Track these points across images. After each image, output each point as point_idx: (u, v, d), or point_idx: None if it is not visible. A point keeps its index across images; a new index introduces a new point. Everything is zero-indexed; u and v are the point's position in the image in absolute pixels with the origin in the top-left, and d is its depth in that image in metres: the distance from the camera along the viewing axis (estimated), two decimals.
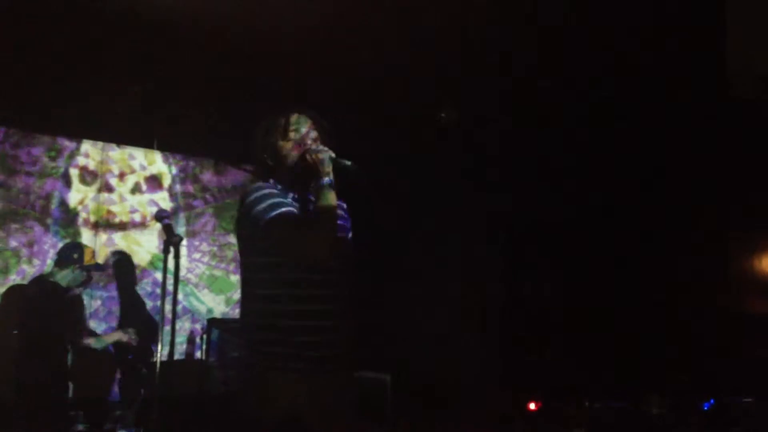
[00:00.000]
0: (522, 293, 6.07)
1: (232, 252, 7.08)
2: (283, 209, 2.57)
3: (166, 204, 6.94)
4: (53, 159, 6.42)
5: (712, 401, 4.04)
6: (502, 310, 5.93)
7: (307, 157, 2.68)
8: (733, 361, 4.46)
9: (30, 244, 6.25)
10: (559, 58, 5.14)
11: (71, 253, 5.31)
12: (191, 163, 7.14)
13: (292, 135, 2.77)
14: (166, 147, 6.94)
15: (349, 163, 2.67)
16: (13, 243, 6.18)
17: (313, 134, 2.79)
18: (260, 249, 2.63)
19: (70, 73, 5.66)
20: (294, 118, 2.81)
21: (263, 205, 2.59)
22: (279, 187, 2.73)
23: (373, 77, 5.66)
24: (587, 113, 5.61)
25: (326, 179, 2.61)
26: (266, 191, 2.65)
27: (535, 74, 5.38)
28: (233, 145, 6.22)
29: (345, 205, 2.87)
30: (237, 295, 6.94)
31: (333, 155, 2.68)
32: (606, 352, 5.04)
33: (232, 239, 6.98)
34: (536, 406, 4.73)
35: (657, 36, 4.77)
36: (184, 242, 6.18)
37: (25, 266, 6.19)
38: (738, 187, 4.97)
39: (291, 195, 2.72)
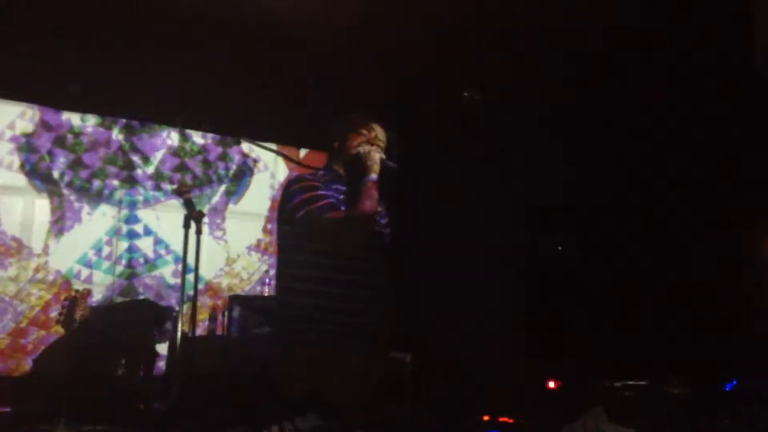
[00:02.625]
0: (546, 273, 6.04)
1: None
2: (322, 202, 2.74)
3: None
4: None
5: (734, 382, 4.00)
6: (525, 289, 5.90)
7: (361, 151, 2.89)
8: (756, 341, 4.42)
9: None
10: (583, 35, 5.07)
11: None
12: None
13: (364, 132, 3.00)
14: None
15: (394, 165, 2.91)
16: None
17: (381, 138, 3.02)
18: (299, 234, 2.78)
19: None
20: (371, 123, 3.05)
21: (302, 196, 2.75)
22: (326, 177, 2.93)
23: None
24: (612, 91, 5.54)
25: (373, 176, 2.81)
26: (306, 183, 2.83)
27: (559, 52, 5.32)
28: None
29: (384, 206, 3.06)
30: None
31: (383, 156, 2.91)
32: (628, 331, 5.02)
33: None
34: (555, 384, 4.72)
35: (682, 14, 4.69)
36: (206, 219, 6.22)
37: None
38: (763, 166, 4.90)
39: (334, 187, 2.89)
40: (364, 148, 2.91)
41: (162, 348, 5.90)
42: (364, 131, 3.00)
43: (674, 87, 5.31)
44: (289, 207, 2.79)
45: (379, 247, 2.93)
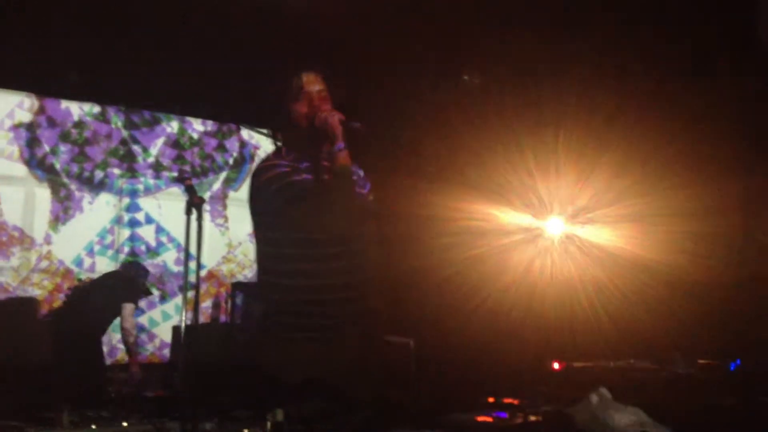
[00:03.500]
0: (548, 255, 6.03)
1: None
2: (297, 185, 2.52)
3: None
4: None
5: (738, 361, 4.00)
6: (527, 271, 5.90)
7: (317, 122, 2.58)
8: (759, 322, 4.42)
9: None
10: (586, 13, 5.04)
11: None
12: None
13: (303, 96, 2.66)
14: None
15: (358, 124, 2.57)
16: None
17: (323, 92, 2.68)
18: (274, 223, 2.60)
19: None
20: (305, 77, 2.70)
21: (275, 178, 2.54)
22: (292, 155, 2.66)
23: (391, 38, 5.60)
24: (614, 63, 5.50)
25: (339, 144, 2.53)
26: (276, 163, 2.60)
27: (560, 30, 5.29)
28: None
29: (361, 172, 2.78)
30: None
31: (342, 118, 2.56)
32: (632, 312, 5.01)
33: None
34: (560, 366, 4.72)
35: None
36: (207, 206, 6.21)
37: None
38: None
39: (304, 164, 2.63)
40: (320, 115, 2.57)
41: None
42: (302, 91, 2.66)
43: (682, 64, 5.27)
44: (264, 196, 2.58)
45: (365, 219, 2.70)
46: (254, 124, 7.23)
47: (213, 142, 7.16)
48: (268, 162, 2.65)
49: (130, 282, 5.69)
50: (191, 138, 7.03)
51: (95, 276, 6.07)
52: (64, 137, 6.41)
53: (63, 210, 6.37)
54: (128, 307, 5.48)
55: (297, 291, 2.58)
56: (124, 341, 5.57)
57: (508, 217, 6.21)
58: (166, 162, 6.87)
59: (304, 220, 2.52)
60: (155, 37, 5.64)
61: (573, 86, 5.57)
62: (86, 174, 6.49)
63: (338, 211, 2.51)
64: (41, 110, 6.34)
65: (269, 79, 2.92)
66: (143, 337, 6.62)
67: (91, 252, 6.38)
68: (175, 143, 6.94)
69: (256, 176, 2.64)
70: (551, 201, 6.10)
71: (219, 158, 7.17)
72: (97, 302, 5.44)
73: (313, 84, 2.69)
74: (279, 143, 2.77)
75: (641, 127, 5.40)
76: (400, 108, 6.19)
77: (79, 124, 6.49)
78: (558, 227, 6.20)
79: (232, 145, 7.27)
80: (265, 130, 7.17)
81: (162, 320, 6.70)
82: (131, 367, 5.60)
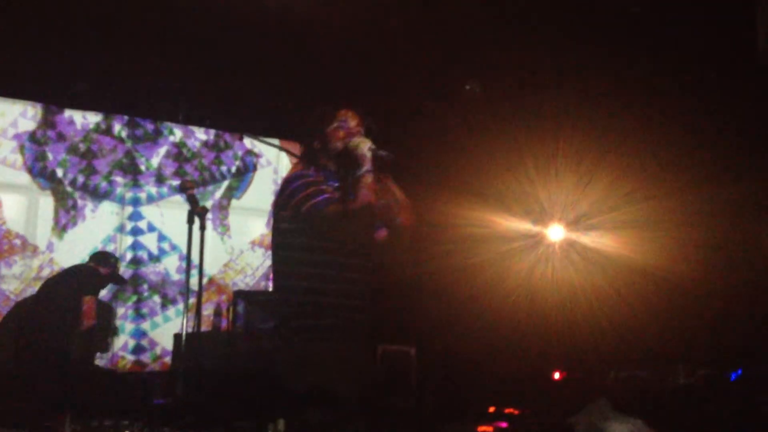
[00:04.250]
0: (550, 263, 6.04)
1: None
2: (324, 196, 2.70)
3: None
4: None
5: (739, 371, 4.00)
6: (528, 279, 5.90)
7: (349, 146, 2.81)
8: (759, 331, 4.41)
9: None
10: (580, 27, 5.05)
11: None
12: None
13: (340, 124, 2.90)
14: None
15: (385, 153, 2.80)
16: None
17: (358, 127, 2.91)
18: (299, 231, 2.76)
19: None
20: (343, 111, 2.94)
21: (305, 192, 2.72)
22: (321, 174, 2.85)
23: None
24: (610, 82, 5.52)
25: (365, 168, 2.74)
26: (308, 179, 2.78)
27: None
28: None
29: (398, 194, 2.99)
30: None
31: (372, 146, 2.79)
32: (632, 322, 5.01)
33: None
34: (561, 375, 4.72)
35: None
36: (209, 215, 6.22)
37: None
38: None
39: (331, 183, 2.83)
40: (352, 141, 2.83)
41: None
42: (339, 122, 2.92)
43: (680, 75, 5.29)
44: (292, 203, 2.76)
45: (383, 240, 2.90)
46: (257, 133, 7.25)
47: (216, 151, 7.18)
48: (302, 174, 2.85)
49: (91, 271, 5.62)
50: (194, 147, 7.05)
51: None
52: (68, 146, 6.43)
53: (66, 218, 6.38)
54: (86, 299, 5.41)
55: (316, 294, 2.71)
56: (81, 325, 5.41)
57: (508, 224, 6.22)
58: (168, 171, 6.88)
59: (328, 232, 2.73)
60: (157, 45, 5.66)
61: (573, 94, 5.59)
62: (89, 182, 6.50)
63: (359, 228, 2.74)
64: (45, 119, 6.37)
65: (305, 103, 3.17)
66: (144, 344, 6.63)
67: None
68: (177, 152, 6.96)
69: (286, 185, 2.84)
70: (552, 208, 6.11)
71: (222, 167, 7.18)
72: (60, 296, 5.35)
73: (350, 118, 2.93)
74: (296, 156, 2.98)
75: (640, 133, 5.41)
76: (402, 117, 6.21)
77: (83, 133, 6.51)
78: (559, 234, 6.21)
79: (235, 154, 7.28)
80: (269, 139, 7.23)
81: (163, 328, 6.70)
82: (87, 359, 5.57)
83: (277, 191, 2.92)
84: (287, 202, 2.79)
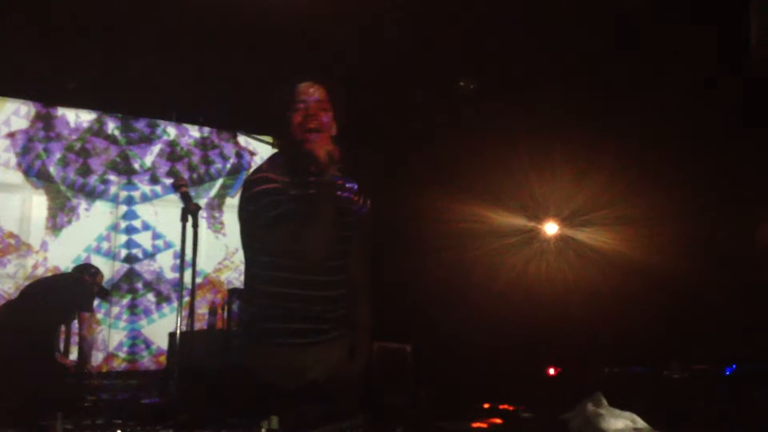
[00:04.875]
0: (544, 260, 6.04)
1: None
2: (280, 210, 2.41)
3: None
4: None
5: (734, 366, 4.01)
6: (523, 275, 5.90)
7: (306, 145, 2.46)
8: (755, 327, 4.42)
9: None
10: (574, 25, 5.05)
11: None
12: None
13: (300, 105, 2.52)
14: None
15: (336, 151, 2.46)
16: None
17: (322, 102, 2.54)
18: (259, 241, 2.57)
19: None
20: (302, 86, 2.55)
21: (262, 202, 2.45)
22: (286, 166, 2.56)
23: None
24: (605, 79, 5.52)
25: (327, 175, 2.44)
26: (266, 176, 2.49)
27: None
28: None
29: (356, 186, 2.72)
30: None
31: (330, 148, 2.45)
32: (628, 318, 5.02)
33: None
34: (555, 371, 4.73)
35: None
36: (203, 213, 6.22)
37: None
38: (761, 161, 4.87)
39: (295, 179, 2.53)
40: (309, 141, 2.45)
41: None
42: (299, 102, 2.52)
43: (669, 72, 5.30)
44: (252, 206, 2.49)
45: (353, 236, 2.66)
46: (251, 131, 7.24)
47: (210, 149, 7.17)
48: (259, 174, 2.55)
49: (78, 284, 5.59)
50: (188, 145, 7.03)
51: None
52: (61, 145, 6.41)
53: (59, 217, 6.36)
54: (85, 315, 5.41)
55: (283, 298, 2.55)
56: (80, 347, 5.46)
57: (503, 219, 6.22)
58: (162, 169, 6.87)
59: (287, 239, 2.44)
60: (152, 43, 5.64)
61: (568, 88, 5.59)
62: (83, 181, 6.49)
63: (315, 245, 2.42)
64: (38, 117, 6.35)
65: (269, 86, 2.81)
66: (140, 344, 6.62)
67: (87, 259, 6.37)
68: (171, 151, 6.94)
69: (246, 187, 2.57)
70: (546, 203, 6.11)
71: (216, 165, 7.17)
72: (47, 303, 5.32)
73: (310, 93, 2.54)
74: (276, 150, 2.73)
75: (636, 129, 5.41)
76: (396, 114, 6.21)
77: (76, 132, 6.49)
78: (553, 229, 6.20)
79: (229, 151, 7.27)
80: (262, 137, 7.22)
81: (158, 326, 6.69)
82: (83, 368, 5.53)
83: (241, 192, 2.62)
84: (246, 206, 2.54)
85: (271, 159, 2.70)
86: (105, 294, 6.13)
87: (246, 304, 3.32)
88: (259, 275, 2.63)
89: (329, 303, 2.61)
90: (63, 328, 5.67)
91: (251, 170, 7.13)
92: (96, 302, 6.03)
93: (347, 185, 2.69)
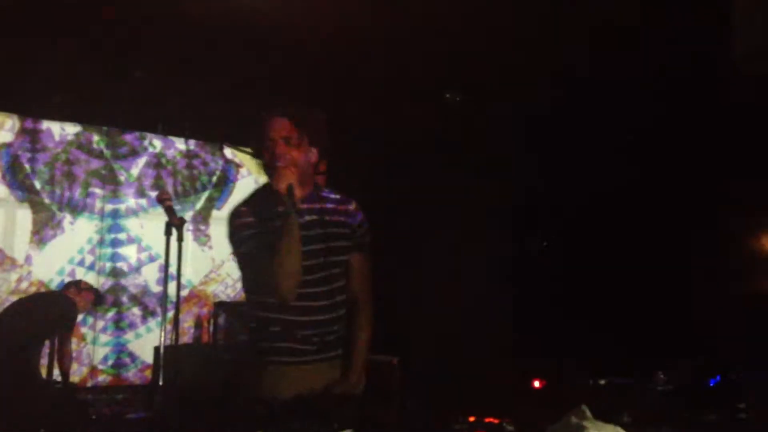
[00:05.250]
0: (528, 273, 6.06)
1: None
2: (248, 247, 2.49)
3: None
4: None
5: (718, 377, 4.03)
6: (508, 289, 5.92)
7: (273, 181, 2.48)
8: (739, 337, 4.45)
9: None
10: (565, 33, 5.08)
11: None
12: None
13: (268, 143, 2.52)
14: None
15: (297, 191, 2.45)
16: None
17: (289, 137, 2.51)
18: (246, 262, 2.61)
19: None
20: (272, 122, 2.55)
21: (234, 237, 2.55)
22: (258, 205, 2.59)
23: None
24: (594, 89, 5.56)
25: (290, 209, 2.42)
26: (240, 221, 2.54)
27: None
28: None
29: (351, 207, 2.72)
30: None
31: (291, 183, 2.43)
32: (612, 329, 5.04)
33: None
34: (541, 384, 4.73)
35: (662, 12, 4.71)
36: (189, 226, 6.20)
37: None
38: (748, 168, 4.92)
39: (265, 215, 2.53)
40: (277, 176, 2.46)
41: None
42: (269, 137, 2.51)
43: (655, 85, 5.35)
44: (236, 237, 2.54)
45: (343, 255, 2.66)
46: (237, 143, 7.24)
47: (196, 162, 7.15)
48: (237, 208, 2.62)
49: (61, 301, 5.51)
50: (174, 157, 7.02)
51: None
52: (46, 158, 6.38)
53: (44, 230, 6.33)
54: (66, 335, 5.39)
55: (271, 322, 2.57)
56: (61, 366, 5.42)
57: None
58: (148, 181, 6.85)
59: (255, 274, 2.53)
60: (138, 56, 5.64)
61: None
62: (68, 194, 6.46)
63: (287, 268, 2.42)
64: (23, 130, 6.32)
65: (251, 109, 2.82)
66: (125, 358, 6.57)
67: (71, 273, 6.33)
68: (157, 163, 6.93)
69: (231, 218, 2.61)
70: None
71: (202, 177, 7.16)
72: (29, 320, 5.27)
73: (277, 130, 2.53)
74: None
75: None
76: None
77: (61, 145, 6.46)
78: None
79: (215, 164, 7.26)
80: (248, 149, 7.21)
81: (144, 340, 6.65)
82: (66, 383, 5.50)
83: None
84: (231, 237, 2.58)
85: (252, 193, 2.73)
86: (101, 301, 6.04)
87: (243, 318, 3.36)
88: (249, 297, 2.69)
89: (321, 326, 2.63)
90: (47, 344, 5.59)
91: (237, 182, 7.20)
92: (80, 317, 5.99)
93: (333, 203, 2.69)
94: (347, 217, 2.71)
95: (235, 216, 2.58)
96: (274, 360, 2.59)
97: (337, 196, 2.72)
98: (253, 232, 2.51)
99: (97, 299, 5.81)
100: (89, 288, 5.74)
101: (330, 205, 2.66)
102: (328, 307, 2.64)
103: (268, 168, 2.54)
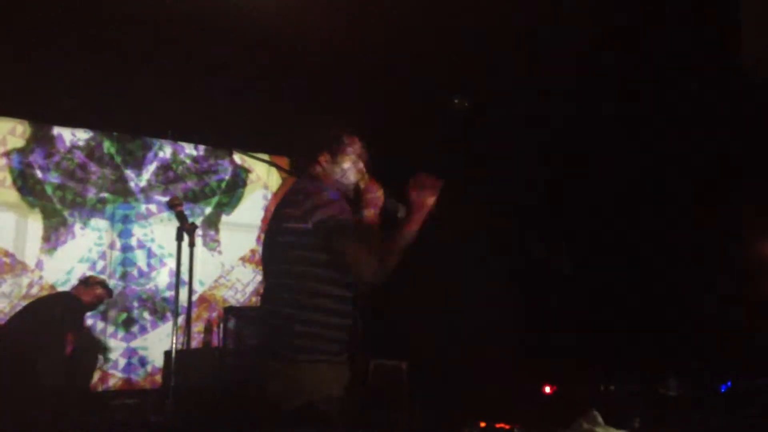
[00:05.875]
0: (539, 278, 6.04)
1: None
2: (337, 207, 2.62)
3: None
4: None
5: (729, 383, 4.01)
6: (518, 294, 5.91)
7: (361, 185, 2.79)
8: (749, 344, 4.43)
9: None
10: (573, 34, 5.09)
11: None
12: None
13: (348, 152, 2.85)
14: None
15: (395, 203, 2.80)
16: None
17: (363, 157, 2.88)
18: (305, 246, 2.63)
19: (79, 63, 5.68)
20: (350, 138, 2.88)
21: (316, 201, 2.62)
22: (323, 189, 2.73)
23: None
24: (597, 91, 5.55)
25: (372, 210, 2.73)
26: (319, 190, 2.68)
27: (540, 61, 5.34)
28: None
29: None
30: None
31: (386, 197, 2.79)
32: (623, 335, 5.02)
33: None
34: (551, 389, 4.72)
35: (666, 13, 4.72)
36: (199, 231, 6.21)
37: None
38: (752, 170, 4.90)
39: (333, 195, 2.70)
40: (363, 182, 2.82)
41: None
42: (350, 147, 2.86)
43: (664, 88, 5.34)
44: (298, 213, 2.61)
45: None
46: (247, 149, 7.26)
47: (205, 167, 7.18)
48: (307, 187, 2.72)
49: (65, 303, 5.53)
50: (184, 163, 7.05)
51: None
52: (57, 163, 6.42)
53: (55, 236, 6.36)
54: (72, 333, 5.38)
55: (307, 309, 2.62)
56: (68, 367, 5.42)
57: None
58: (158, 187, 6.88)
59: (344, 257, 2.59)
60: (147, 62, 5.67)
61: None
62: (78, 200, 6.49)
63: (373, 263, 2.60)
64: (33, 136, 6.36)
65: (295, 118, 3.10)
66: (135, 362, 6.59)
67: (82, 278, 6.34)
68: (167, 168, 6.95)
69: (294, 193, 2.73)
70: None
71: (212, 183, 7.18)
72: (35, 322, 5.28)
73: (355, 145, 2.86)
74: (286, 171, 2.86)
75: None
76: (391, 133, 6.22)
77: (72, 150, 6.50)
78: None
79: (225, 169, 7.28)
80: (258, 155, 7.24)
81: (154, 345, 6.67)
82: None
83: (280, 203, 2.77)
84: (293, 210, 2.65)
85: (309, 178, 2.83)
86: (111, 294, 6.03)
87: (258, 322, 3.42)
88: (273, 295, 2.72)
89: (344, 326, 2.70)
90: (56, 347, 5.60)
91: (247, 188, 7.22)
92: (90, 321, 6.02)
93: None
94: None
95: (311, 186, 2.73)
96: (309, 359, 2.60)
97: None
98: (330, 198, 2.66)
99: (107, 292, 5.80)
100: (98, 282, 5.75)
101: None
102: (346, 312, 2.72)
103: (347, 171, 2.83)
